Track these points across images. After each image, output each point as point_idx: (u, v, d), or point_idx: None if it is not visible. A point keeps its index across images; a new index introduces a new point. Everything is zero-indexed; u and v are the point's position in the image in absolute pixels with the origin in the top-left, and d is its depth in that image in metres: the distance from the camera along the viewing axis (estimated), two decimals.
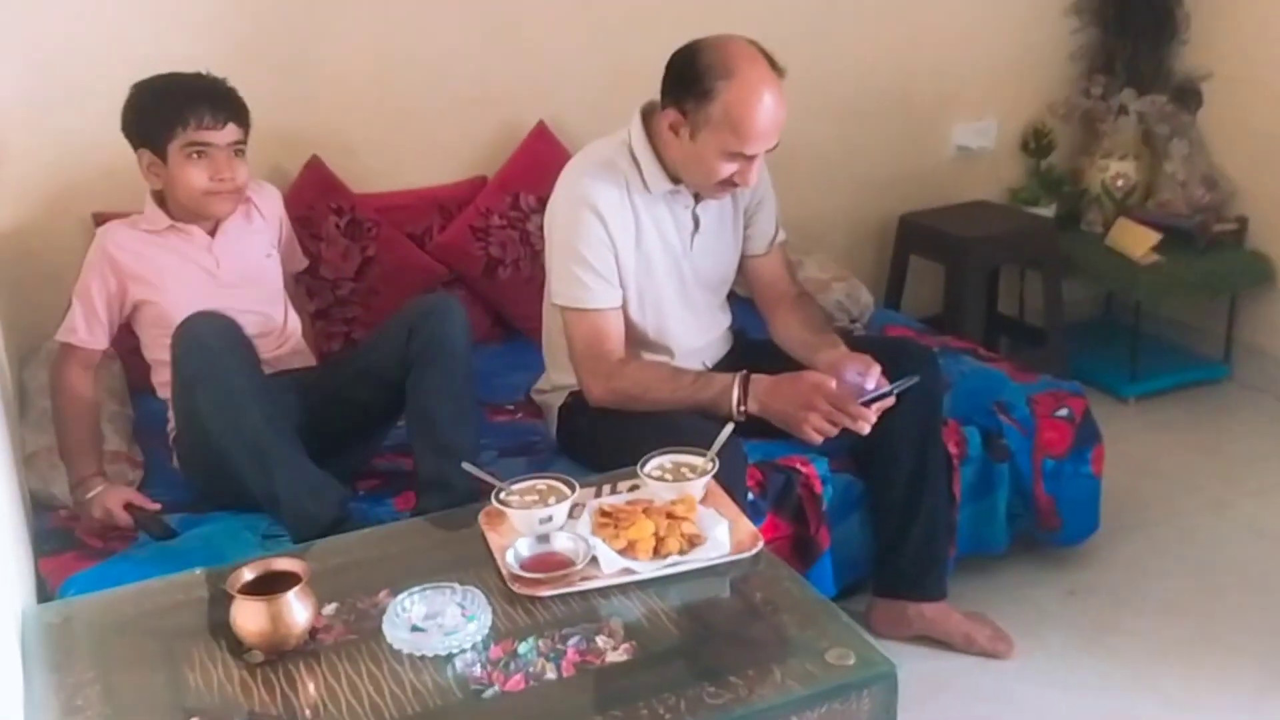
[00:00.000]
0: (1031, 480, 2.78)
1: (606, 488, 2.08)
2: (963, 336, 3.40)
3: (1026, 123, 3.98)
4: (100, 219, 2.73)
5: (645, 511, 1.91)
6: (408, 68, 3.17)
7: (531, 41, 3.28)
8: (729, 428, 2.09)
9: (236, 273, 2.53)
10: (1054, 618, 2.74)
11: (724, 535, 1.88)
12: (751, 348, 2.68)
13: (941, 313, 3.81)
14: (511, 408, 2.87)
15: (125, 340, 2.59)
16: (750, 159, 2.32)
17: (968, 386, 2.82)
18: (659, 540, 1.86)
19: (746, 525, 1.95)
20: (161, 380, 2.48)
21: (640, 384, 2.38)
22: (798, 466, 2.53)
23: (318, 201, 3.03)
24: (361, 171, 3.14)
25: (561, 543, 1.88)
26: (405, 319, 2.37)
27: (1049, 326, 3.75)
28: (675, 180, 2.41)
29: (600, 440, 2.41)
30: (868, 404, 2.29)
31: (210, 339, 2.23)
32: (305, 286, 2.94)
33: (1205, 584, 2.85)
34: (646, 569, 1.81)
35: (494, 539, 1.92)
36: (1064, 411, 2.80)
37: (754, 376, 2.33)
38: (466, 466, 2.07)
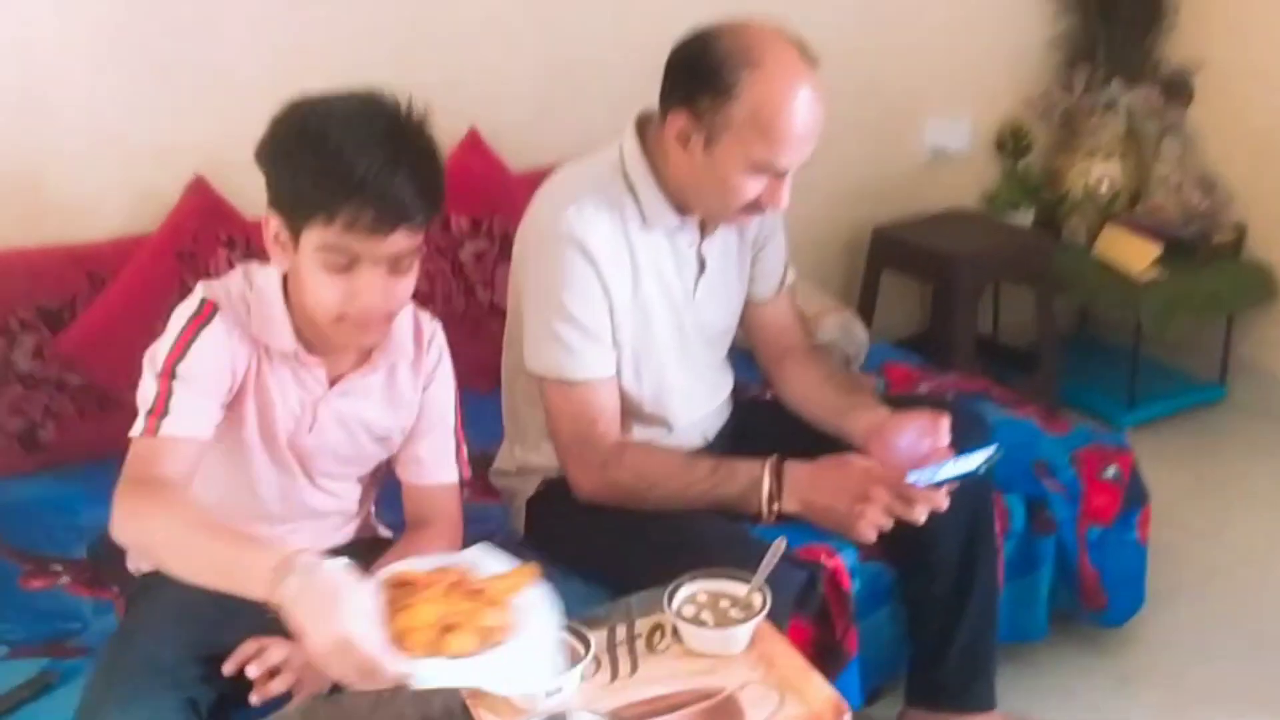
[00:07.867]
0: (1076, 553, 2.36)
1: (621, 628, 1.59)
2: (951, 364, 3.00)
3: (1002, 120, 3.57)
4: None
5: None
6: (300, 71, 2.58)
7: (450, 34, 2.72)
8: (780, 545, 1.61)
9: (322, 451, 1.69)
10: (1110, 713, 2.34)
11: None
12: (753, 413, 2.20)
13: (921, 335, 3.40)
14: None
15: None
16: (782, 174, 1.83)
17: (999, 442, 2.37)
18: None
19: (823, 691, 1.47)
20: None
21: (644, 476, 1.88)
22: (822, 559, 2.06)
23: (203, 232, 2.45)
24: (255, 194, 2.54)
25: None
26: None
27: (1041, 351, 3.35)
28: (681, 211, 1.92)
29: (591, 546, 1.90)
30: (937, 485, 1.83)
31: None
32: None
33: (1267, 657, 2.48)
34: None
35: None
36: (1111, 471, 2.38)
37: (788, 464, 1.85)
38: None
